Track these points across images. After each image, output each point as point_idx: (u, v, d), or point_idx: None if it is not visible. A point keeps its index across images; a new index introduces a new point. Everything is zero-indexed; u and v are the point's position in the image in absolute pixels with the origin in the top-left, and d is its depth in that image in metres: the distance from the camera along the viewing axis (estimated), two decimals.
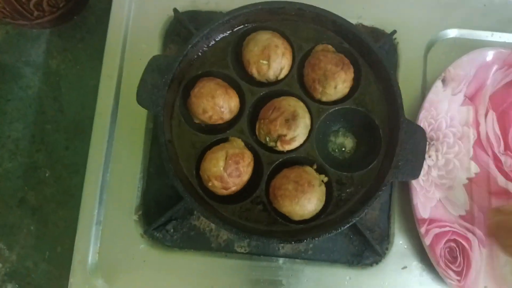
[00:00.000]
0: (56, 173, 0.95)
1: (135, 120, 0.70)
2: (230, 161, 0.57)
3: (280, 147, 0.60)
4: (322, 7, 0.62)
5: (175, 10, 0.68)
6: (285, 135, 0.58)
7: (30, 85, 0.99)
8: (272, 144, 0.60)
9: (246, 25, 0.64)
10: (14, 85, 0.99)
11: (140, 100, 0.58)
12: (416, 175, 0.59)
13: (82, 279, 0.65)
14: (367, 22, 0.75)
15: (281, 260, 0.67)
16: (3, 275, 0.91)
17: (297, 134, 0.59)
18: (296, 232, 0.59)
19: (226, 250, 0.66)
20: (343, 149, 0.66)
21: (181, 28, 0.71)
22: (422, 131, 0.60)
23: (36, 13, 0.91)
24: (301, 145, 0.61)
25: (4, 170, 0.95)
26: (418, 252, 0.67)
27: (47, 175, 0.95)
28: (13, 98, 0.98)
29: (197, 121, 0.63)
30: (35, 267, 0.92)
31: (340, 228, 0.57)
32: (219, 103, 0.59)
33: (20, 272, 0.92)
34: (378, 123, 0.61)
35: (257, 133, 0.61)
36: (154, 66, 0.59)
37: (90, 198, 0.67)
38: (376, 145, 0.61)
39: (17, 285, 0.91)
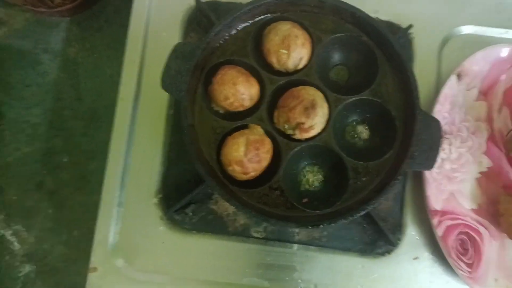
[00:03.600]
0: (74, 159, 0.97)
1: (157, 105, 0.71)
2: (250, 147, 0.58)
3: (298, 135, 0.61)
4: None
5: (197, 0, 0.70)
6: (303, 123, 0.60)
7: (48, 72, 1.01)
8: (290, 132, 0.62)
9: (266, 15, 0.65)
10: (32, 71, 1.01)
11: (165, 85, 0.60)
12: (430, 165, 0.60)
13: (103, 258, 0.67)
14: (383, 16, 0.76)
15: (295, 246, 0.68)
16: (21, 256, 0.94)
17: (315, 123, 0.61)
18: (313, 217, 0.60)
19: (243, 234, 0.68)
20: (359, 138, 0.67)
21: (202, 18, 0.73)
22: (437, 122, 0.61)
23: (57, 1, 0.93)
24: (318, 134, 0.62)
25: (23, 154, 0.97)
26: (430, 243, 0.69)
27: (64, 160, 0.97)
28: (31, 83, 1.00)
29: (217, 108, 0.64)
30: (52, 249, 0.95)
31: (356, 215, 0.58)
32: (240, 90, 0.60)
33: (37, 254, 0.95)
34: (394, 114, 0.63)
35: (275, 120, 0.63)
36: (178, 53, 0.60)
37: (112, 181, 0.69)
38: (392, 136, 0.63)
39: (34, 266, 0.94)
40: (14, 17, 1.01)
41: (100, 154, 0.97)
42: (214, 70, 0.63)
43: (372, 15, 0.72)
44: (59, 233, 0.95)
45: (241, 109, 0.63)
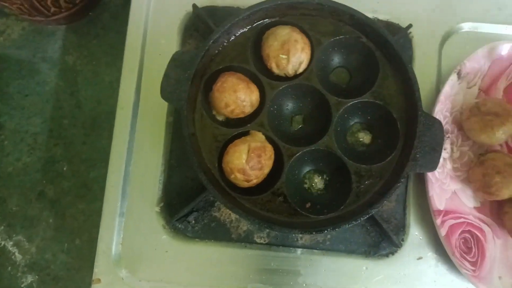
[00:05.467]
0: (74, 167, 0.97)
1: (156, 113, 0.71)
2: (252, 154, 0.58)
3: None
4: (337, 0, 0.63)
5: (194, 5, 0.69)
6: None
7: (47, 81, 1.01)
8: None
9: (265, 20, 0.65)
10: (31, 81, 1.01)
11: (164, 95, 0.59)
12: (434, 167, 0.60)
13: (106, 269, 0.66)
14: (382, 16, 0.75)
15: (299, 251, 0.68)
16: (23, 267, 0.94)
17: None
18: (316, 223, 0.60)
19: (246, 240, 0.68)
20: (361, 141, 0.67)
21: (200, 24, 0.72)
22: (439, 124, 0.61)
23: (53, 9, 0.93)
24: (320, 138, 0.62)
25: (23, 164, 0.97)
26: (433, 243, 0.69)
27: (65, 169, 0.97)
28: (31, 93, 1.00)
29: (218, 116, 0.64)
30: (54, 259, 0.95)
31: (360, 219, 0.58)
32: (241, 97, 0.60)
33: (39, 263, 0.94)
34: (396, 116, 0.62)
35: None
36: (177, 62, 0.60)
37: (114, 190, 0.68)
38: (394, 138, 0.63)
39: (36, 276, 0.94)
40: (11, 26, 1.01)
41: (100, 162, 0.97)
42: (213, 77, 0.62)
43: (371, 15, 0.73)
44: (61, 242, 0.95)
45: (241, 115, 0.63)
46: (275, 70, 0.64)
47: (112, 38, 1.03)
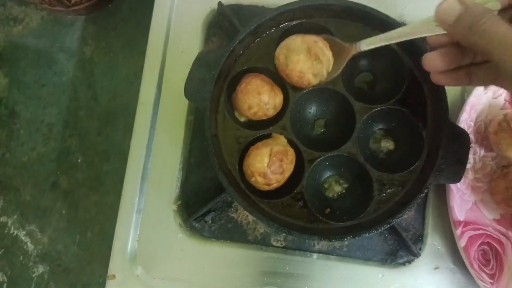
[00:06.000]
0: (88, 159, 0.97)
1: (176, 111, 0.70)
2: (274, 158, 0.57)
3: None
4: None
5: (219, 3, 0.68)
6: None
7: (64, 71, 1.00)
8: None
9: (292, 21, 0.64)
10: (48, 71, 1.00)
11: (188, 95, 0.58)
12: (458, 179, 0.59)
13: (122, 265, 0.66)
14: (409, 21, 0.74)
15: (315, 256, 0.68)
16: (35, 257, 0.94)
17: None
18: (336, 230, 0.59)
19: (262, 243, 0.67)
20: (384, 149, 0.66)
21: (224, 22, 0.71)
22: (466, 134, 0.60)
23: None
24: (342, 144, 0.61)
25: (38, 154, 0.97)
26: (451, 254, 0.68)
27: (79, 160, 0.97)
28: (48, 83, 0.99)
29: (240, 118, 0.63)
30: (66, 250, 0.95)
31: (381, 228, 0.57)
32: (264, 100, 0.59)
33: (51, 254, 0.95)
34: (421, 125, 0.61)
35: None
36: (202, 61, 0.59)
37: (131, 187, 0.68)
38: (418, 147, 0.61)
39: (48, 267, 0.94)
40: (30, 15, 1.00)
41: (114, 154, 0.97)
42: (237, 78, 0.62)
43: (398, 19, 0.71)
44: (73, 234, 0.95)
45: (264, 118, 0.62)
46: (312, 80, 0.60)
47: (130, 30, 1.02)
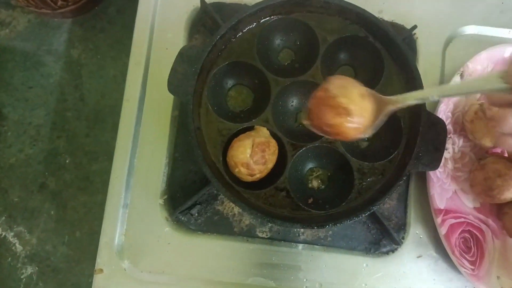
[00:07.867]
0: (76, 160, 0.97)
1: (161, 107, 0.71)
2: (256, 149, 0.58)
3: None
4: None
5: (202, 1, 0.70)
6: None
7: (51, 73, 1.01)
8: None
9: (272, 17, 0.66)
10: (36, 73, 1.01)
11: (171, 89, 0.60)
12: (436, 166, 0.61)
13: (109, 260, 0.67)
14: (387, 17, 0.76)
15: (300, 246, 0.69)
16: (23, 258, 0.94)
17: None
18: (318, 218, 0.61)
19: (248, 234, 0.68)
20: (365, 139, 0.67)
21: (207, 19, 0.73)
22: (442, 123, 0.62)
23: (60, 2, 0.93)
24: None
25: (26, 155, 0.97)
26: (433, 242, 0.69)
27: (67, 161, 0.97)
28: (35, 85, 1.00)
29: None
30: (55, 251, 0.95)
31: (361, 215, 0.58)
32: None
33: (40, 255, 0.95)
34: (399, 114, 0.63)
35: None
36: (184, 56, 0.60)
37: (118, 182, 0.69)
38: (397, 136, 0.63)
39: (36, 268, 0.94)
40: (17, 18, 1.01)
41: (102, 155, 0.98)
42: (221, 73, 0.63)
43: (376, 15, 0.73)
44: (61, 234, 0.95)
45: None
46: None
47: (118, 32, 1.03)
